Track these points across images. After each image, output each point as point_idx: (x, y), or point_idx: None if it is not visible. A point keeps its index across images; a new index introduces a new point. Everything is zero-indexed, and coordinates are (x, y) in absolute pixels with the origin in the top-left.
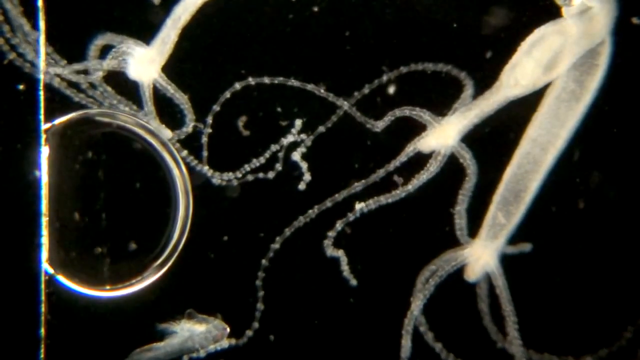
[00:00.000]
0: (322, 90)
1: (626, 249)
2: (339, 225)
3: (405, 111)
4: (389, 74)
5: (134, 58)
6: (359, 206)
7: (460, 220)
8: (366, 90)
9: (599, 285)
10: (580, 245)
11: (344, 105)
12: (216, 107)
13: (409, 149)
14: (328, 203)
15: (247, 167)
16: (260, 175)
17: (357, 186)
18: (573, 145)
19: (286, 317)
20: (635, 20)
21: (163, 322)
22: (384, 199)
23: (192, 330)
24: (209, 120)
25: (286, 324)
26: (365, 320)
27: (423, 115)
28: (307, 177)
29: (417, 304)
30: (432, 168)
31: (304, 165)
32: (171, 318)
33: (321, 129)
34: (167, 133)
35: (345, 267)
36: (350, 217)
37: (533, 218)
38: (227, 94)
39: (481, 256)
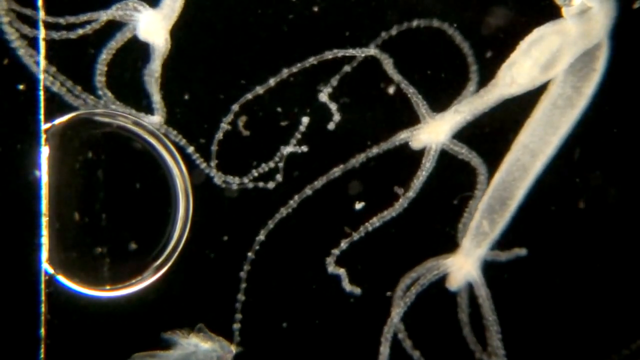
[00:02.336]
0: (340, 54)
1: (626, 251)
2: (343, 244)
3: (410, 89)
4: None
5: (144, 17)
6: (359, 206)
7: (468, 216)
8: (394, 32)
9: (595, 293)
10: (578, 247)
11: (371, 52)
12: (235, 107)
13: (397, 138)
14: (308, 191)
15: (247, 177)
16: (260, 184)
17: (336, 171)
18: (573, 145)
19: (268, 311)
20: (636, 5)
21: (168, 329)
22: (388, 214)
23: (198, 345)
24: (229, 118)
25: (267, 317)
26: (347, 324)
27: (421, 105)
28: (337, 117)
29: (397, 311)
30: (427, 165)
31: (333, 106)
32: (172, 320)
33: (347, 68)
34: (155, 119)
35: (347, 285)
36: (355, 236)
37: (531, 219)
38: (254, 93)
39: (463, 265)
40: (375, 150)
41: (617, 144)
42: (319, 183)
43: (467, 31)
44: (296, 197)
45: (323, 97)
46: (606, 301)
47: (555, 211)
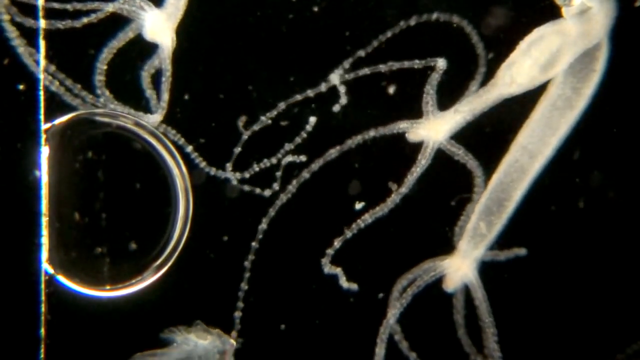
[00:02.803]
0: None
1: (626, 252)
2: (337, 243)
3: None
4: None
5: (149, 17)
6: (358, 206)
7: (465, 218)
8: (412, 22)
9: (594, 294)
10: (577, 247)
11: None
12: (282, 105)
13: (396, 127)
14: (306, 174)
15: (248, 172)
16: (257, 190)
17: (333, 153)
18: (573, 145)
19: (265, 311)
20: (637, 3)
21: (168, 328)
22: (381, 210)
23: (197, 343)
24: (273, 114)
25: (264, 317)
26: (345, 324)
27: (430, 102)
28: (344, 100)
29: (393, 313)
30: (422, 162)
31: (342, 89)
32: (172, 320)
33: (361, 52)
34: (155, 118)
35: (344, 282)
36: (348, 234)
37: (531, 219)
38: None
39: (460, 267)
40: (372, 134)
41: (617, 144)
42: (315, 166)
43: (467, 31)
44: (294, 182)
45: (335, 78)
46: (605, 303)
47: (555, 211)
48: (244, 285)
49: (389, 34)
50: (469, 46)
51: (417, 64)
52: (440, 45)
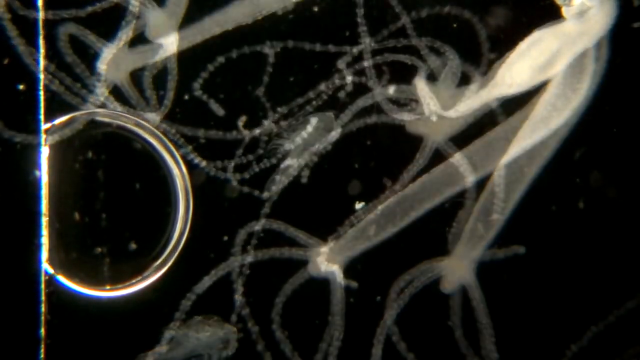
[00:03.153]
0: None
1: (626, 252)
2: (331, 241)
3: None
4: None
5: (152, 17)
6: (358, 206)
7: (457, 225)
8: (423, 14)
9: (593, 296)
10: (577, 248)
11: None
12: (284, 110)
13: (398, 115)
14: (314, 157)
15: (248, 172)
16: (256, 192)
17: (334, 135)
18: (573, 145)
19: (262, 310)
20: (636, 2)
21: (168, 324)
22: (374, 206)
23: (198, 337)
24: (275, 117)
25: (261, 316)
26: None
27: (431, 101)
28: (349, 88)
29: (390, 313)
30: (419, 161)
31: (349, 77)
32: (174, 320)
33: (369, 42)
34: (154, 117)
35: (342, 280)
36: (341, 232)
37: (530, 218)
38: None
39: (458, 269)
40: (374, 119)
41: (617, 144)
42: (319, 147)
43: (467, 31)
44: (296, 165)
45: (341, 64)
46: (604, 304)
47: (555, 211)
48: (246, 270)
49: (399, 23)
50: (470, 46)
51: (407, 59)
52: (442, 44)
